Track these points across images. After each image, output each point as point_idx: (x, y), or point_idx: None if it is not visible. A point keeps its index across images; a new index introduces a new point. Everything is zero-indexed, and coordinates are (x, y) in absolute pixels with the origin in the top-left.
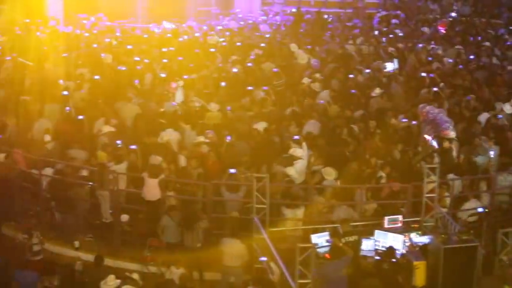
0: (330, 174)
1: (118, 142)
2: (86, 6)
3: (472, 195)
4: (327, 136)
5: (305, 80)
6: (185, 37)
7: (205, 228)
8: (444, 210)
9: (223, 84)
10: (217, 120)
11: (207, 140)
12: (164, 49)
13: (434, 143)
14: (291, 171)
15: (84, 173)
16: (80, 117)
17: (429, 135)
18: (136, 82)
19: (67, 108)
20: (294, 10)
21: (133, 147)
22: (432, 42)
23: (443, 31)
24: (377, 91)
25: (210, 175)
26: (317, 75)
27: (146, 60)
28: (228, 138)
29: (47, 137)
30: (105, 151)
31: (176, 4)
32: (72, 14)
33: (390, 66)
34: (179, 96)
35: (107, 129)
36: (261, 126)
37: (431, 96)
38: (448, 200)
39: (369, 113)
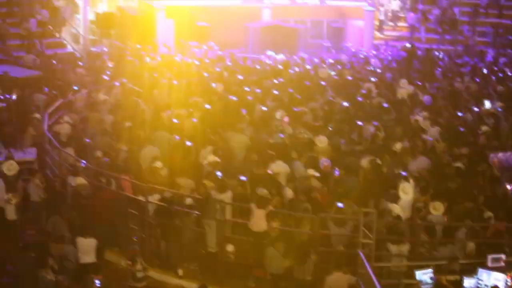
0: (437, 208)
1: (219, 173)
2: (197, 34)
3: None
4: (434, 173)
5: (415, 117)
6: (296, 69)
7: (313, 261)
8: None
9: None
10: (326, 153)
11: (317, 174)
12: (275, 81)
13: None
14: (396, 208)
15: (189, 201)
16: (188, 143)
17: (509, 182)
18: (244, 112)
19: (176, 136)
20: (407, 45)
21: (243, 178)
22: None
23: None
24: (484, 128)
25: (317, 208)
26: (425, 113)
27: (257, 90)
28: (337, 172)
29: (158, 164)
30: (210, 180)
31: (288, 36)
32: (182, 42)
33: (488, 104)
34: (288, 128)
35: (211, 158)
36: (369, 161)
37: None
38: None
39: (477, 151)
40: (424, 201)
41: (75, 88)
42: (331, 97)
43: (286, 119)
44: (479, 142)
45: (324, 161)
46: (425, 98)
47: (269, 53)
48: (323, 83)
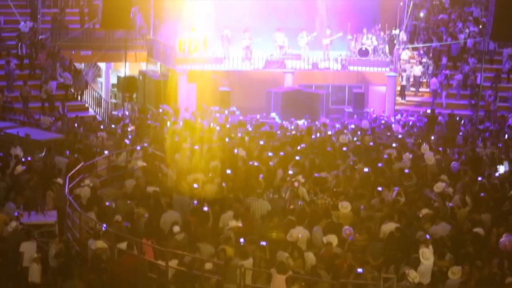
0: (455, 273)
1: (241, 240)
2: (219, 99)
3: None
4: (454, 239)
5: (438, 184)
6: (318, 134)
7: None
8: None
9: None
10: (347, 219)
11: (331, 241)
12: (297, 147)
13: None
14: (413, 273)
15: (209, 266)
16: (205, 208)
17: None
18: (261, 178)
19: (195, 201)
20: (428, 111)
21: (263, 243)
22: None
23: None
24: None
25: (337, 273)
26: (445, 177)
27: (281, 153)
28: (351, 237)
29: (176, 229)
30: (230, 245)
31: (309, 101)
32: (204, 106)
33: (502, 169)
34: (306, 193)
35: (233, 224)
36: (390, 227)
37: None
38: None
39: (499, 216)
40: (440, 266)
41: (97, 151)
42: (352, 162)
43: (296, 184)
44: (503, 208)
45: (347, 229)
46: (453, 165)
47: (272, 114)
48: (344, 148)
